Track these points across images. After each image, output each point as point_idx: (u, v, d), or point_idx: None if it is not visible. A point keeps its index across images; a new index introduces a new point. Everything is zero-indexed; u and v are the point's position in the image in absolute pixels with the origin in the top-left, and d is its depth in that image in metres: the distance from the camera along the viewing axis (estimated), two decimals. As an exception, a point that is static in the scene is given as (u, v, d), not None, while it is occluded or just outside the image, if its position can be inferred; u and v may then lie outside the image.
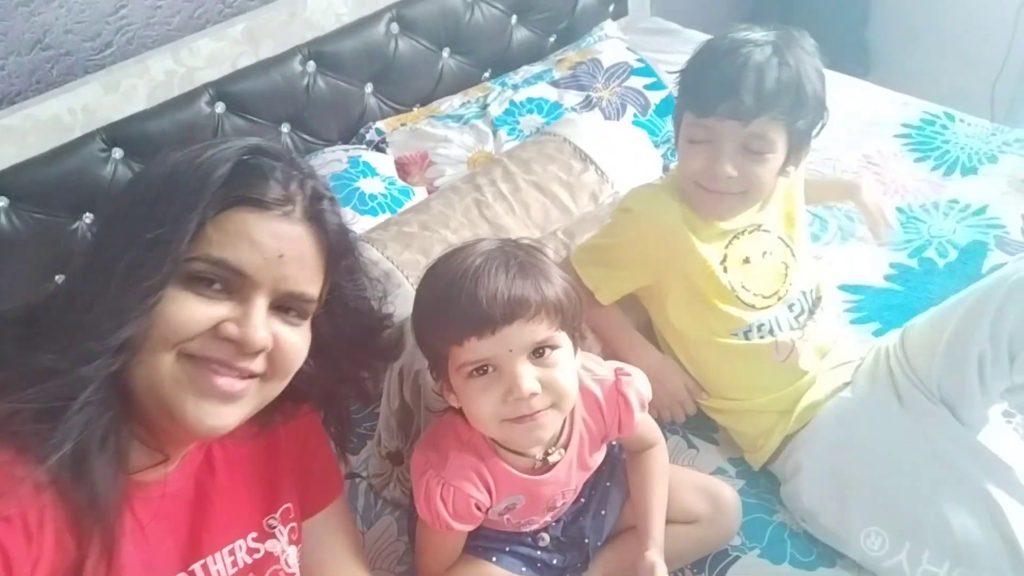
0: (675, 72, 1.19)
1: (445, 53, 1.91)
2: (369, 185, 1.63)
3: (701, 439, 1.24)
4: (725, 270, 1.18)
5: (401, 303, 0.98)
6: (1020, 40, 2.37)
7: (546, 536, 1.08)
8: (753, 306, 1.18)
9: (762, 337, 1.17)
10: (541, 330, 0.86)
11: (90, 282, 0.69)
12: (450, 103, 1.90)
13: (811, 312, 1.22)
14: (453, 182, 1.60)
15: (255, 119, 1.63)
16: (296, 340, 0.76)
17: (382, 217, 1.55)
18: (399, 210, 1.57)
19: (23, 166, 1.38)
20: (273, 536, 0.85)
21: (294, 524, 0.88)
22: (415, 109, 1.89)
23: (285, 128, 1.70)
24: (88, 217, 1.48)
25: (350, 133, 1.81)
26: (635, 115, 1.86)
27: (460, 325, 0.84)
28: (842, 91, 1.98)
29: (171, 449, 0.75)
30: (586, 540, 1.09)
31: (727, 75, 1.06)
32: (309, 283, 0.75)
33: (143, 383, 0.69)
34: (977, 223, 1.56)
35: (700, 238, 1.16)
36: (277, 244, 0.71)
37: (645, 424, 1.07)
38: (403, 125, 1.81)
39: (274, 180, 0.73)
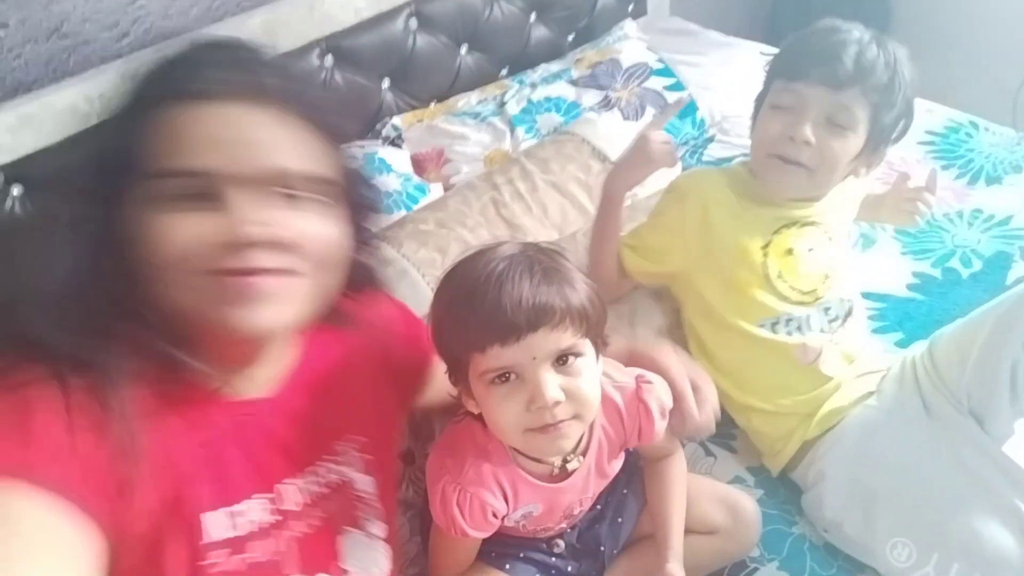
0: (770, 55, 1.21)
1: (463, 50, 1.90)
2: (385, 182, 1.62)
3: (719, 446, 1.23)
4: (765, 255, 1.16)
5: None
6: (1045, 48, 2.34)
7: (561, 543, 1.06)
8: (787, 298, 1.17)
9: (789, 333, 1.16)
10: (566, 338, 0.83)
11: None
12: (467, 100, 1.88)
13: (844, 320, 1.21)
14: (470, 180, 1.59)
15: (271, 112, 1.62)
16: (315, 226, 0.70)
17: (398, 214, 1.54)
18: (415, 207, 1.56)
19: (39, 154, 1.36)
20: (347, 463, 0.84)
21: (370, 457, 0.87)
22: (432, 105, 1.87)
23: (301, 122, 1.68)
24: (102, 208, 1.47)
25: (367, 128, 1.79)
26: (654, 116, 1.84)
27: (483, 332, 0.82)
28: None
29: (245, 363, 0.74)
30: (602, 548, 1.07)
31: (829, 42, 1.09)
32: (303, 159, 0.68)
33: (190, 312, 0.67)
34: (1002, 233, 1.54)
35: (747, 220, 1.16)
36: (232, 131, 0.65)
37: (665, 432, 1.05)
38: (420, 121, 1.79)
39: (212, 66, 0.67)
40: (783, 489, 1.16)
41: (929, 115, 1.87)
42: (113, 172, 0.65)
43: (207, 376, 0.71)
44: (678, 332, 1.28)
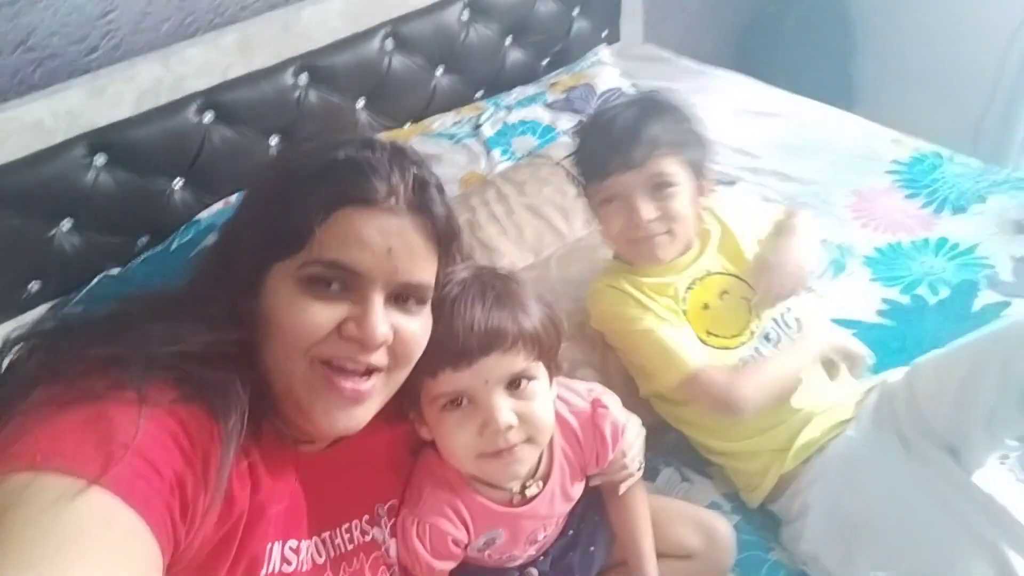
0: (567, 157, 1.30)
1: (439, 71, 1.90)
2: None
3: (695, 472, 1.22)
4: (687, 321, 1.20)
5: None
6: (1006, 80, 2.41)
7: (534, 572, 1.04)
8: (727, 346, 1.19)
9: None
10: (518, 361, 0.84)
11: (215, 260, 0.77)
12: (442, 121, 1.88)
13: (796, 329, 1.22)
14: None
15: (244, 130, 1.60)
16: (415, 328, 0.77)
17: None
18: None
19: (2, 169, 1.33)
20: (379, 524, 0.88)
21: (395, 520, 0.91)
22: (407, 126, 1.87)
23: (273, 140, 1.66)
24: (67, 223, 1.43)
25: (341, 148, 1.78)
26: (628, 141, 1.85)
27: (435, 356, 0.81)
28: (833, 126, 2.00)
29: (316, 438, 0.81)
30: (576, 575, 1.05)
31: (614, 134, 1.18)
32: (422, 271, 0.77)
33: (281, 386, 0.74)
34: (967, 262, 1.57)
35: (655, 297, 1.20)
36: (385, 239, 0.73)
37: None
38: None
39: (376, 176, 0.73)
40: (760, 515, 1.16)
41: (896, 145, 1.91)
42: (274, 244, 0.72)
43: (284, 435, 0.79)
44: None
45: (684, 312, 1.21)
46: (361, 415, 0.76)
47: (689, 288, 1.22)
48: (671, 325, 1.18)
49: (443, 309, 0.82)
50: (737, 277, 1.24)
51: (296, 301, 0.72)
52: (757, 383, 1.13)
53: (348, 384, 0.74)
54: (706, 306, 1.21)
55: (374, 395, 0.77)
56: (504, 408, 0.83)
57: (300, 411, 0.75)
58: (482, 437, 0.84)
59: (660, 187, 1.16)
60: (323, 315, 0.72)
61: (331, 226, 0.71)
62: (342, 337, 0.73)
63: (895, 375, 1.18)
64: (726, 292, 1.22)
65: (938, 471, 1.06)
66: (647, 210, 1.16)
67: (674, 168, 1.17)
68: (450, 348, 0.81)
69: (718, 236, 1.29)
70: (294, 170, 0.74)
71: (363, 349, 0.73)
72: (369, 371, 0.75)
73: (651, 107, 1.21)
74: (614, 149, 1.16)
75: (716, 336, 1.20)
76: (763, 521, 1.15)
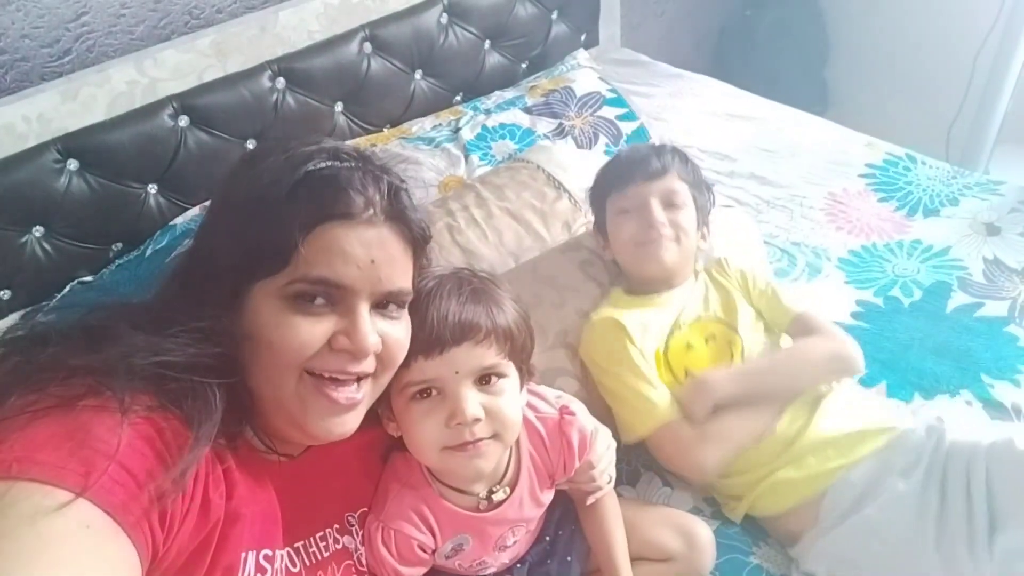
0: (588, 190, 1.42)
1: (417, 75, 1.89)
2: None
3: (676, 478, 1.22)
4: (668, 359, 1.23)
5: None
6: (976, 86, 2.46)
7: (511, 581, 1.04)
8: None
9: None
10: (489, 355, 0.84)
11: (190, 275, 0.76)
12: (421, 125, 1.87)
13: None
14: (424, 206, 1.57)
15: (220, 134, 1.58)
16: (400, 334, 0.79)
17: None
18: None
19: (-30, 174, 1.31)
20: (350, 533, 0.89)
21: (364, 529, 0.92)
22: (385, 130, 1.86)
23: (251, 145, 1.65)
24: (39, 229, 1.41)
25: (318, 152, 1.77)
26: (607, 145, 1.86)
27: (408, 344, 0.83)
28: (807, 130, 2.03)
29: (292, 449, 0.83)
30: (554, 585, 1.05)
31: (633, 157, 1.35)
32: (402, 278, 0.79)
33: (270, 399, 0.75)
34: (941, 264, 1.60)
35: (641, 330, 1.23)
36: (367, 251, 0.74)
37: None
38: (373, 146, 1.77)
39: (352, 189, 0.74)
40: (743, 519, 1.16)
41: (869, 149, 1.94)
42: (255, 264, 0.72)
43: (265, 450, 0.79)
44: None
45: (667, 350, 1.23)
46: (352, 421, 0.78)
47: (676, 327, 1.26)
48: (648, 377, 1.19)
49: (419, 301, 0.83)
50: (727, 325, 1.26)
51: (284, 319, 0.72)
52: (719, 454, 1.14)
53: (341, 394, 0.75)
54: (689, 346, 1.24)
55: (364, 401, 0.78)
56: (472, 400, 0.84)
57: (292, 422, 0.76)
58: (448, 428, 0.84)
59: (672, 203, 1.29)
60: (313, 331, 0.72)
61: (313, 243, 0.72)
62: (333, 350, 0.74)
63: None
64: (712, 337, 1.25)
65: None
66: (660, 214, 1.27)
67: (685, 193, 1.30)
68: (423, 336, 0.82)
69: (711, 285, 1.34)
70: (267, 185, 0.73)
71: (354, 359, 0.75)
72: (359, 379, 0.77)
73: (673, 148, 1.37)
74: (638, 163, 1.32)
75: (694, 376, 1.20)
76: (744, 525, 1.16)
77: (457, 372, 0.83)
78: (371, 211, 0.75)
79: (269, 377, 0.74)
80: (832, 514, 1.07)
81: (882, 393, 1.33)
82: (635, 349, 1.21)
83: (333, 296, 0.73)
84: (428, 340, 0.82)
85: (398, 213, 0.78)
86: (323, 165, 0.74)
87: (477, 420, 0.84)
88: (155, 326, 0.70)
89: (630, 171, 1.31)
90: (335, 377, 0.75)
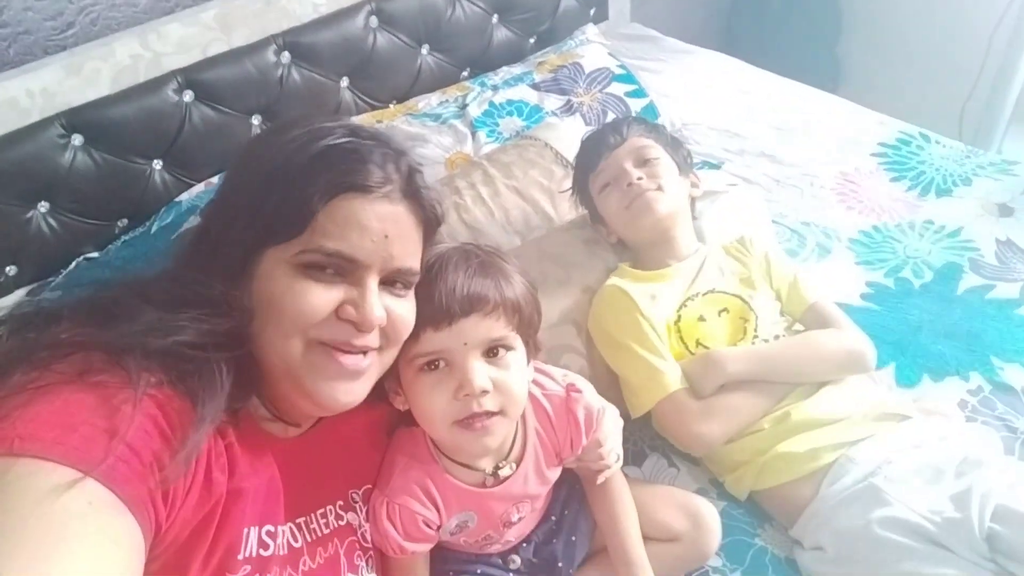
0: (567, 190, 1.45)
1: (424, 50, 1.87)
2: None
3: (683, 459, 1.22)
4: (679, 329, 1.22)
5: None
6: (991, 65, 2.42)
7: (517, 558, 1.04)
8: None
9: None
10: (497, 327, 0.85)
11: (201, 245, 0.77)
12: (428, 101, 1.85)
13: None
14: (430, 183, 1.56)
15: (225, 109, 1.57)
16: (405, 311, 0.80)
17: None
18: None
19: (-27, 148, 1.31)
20: (354, 509, 0.90)
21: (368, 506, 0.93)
22: (391, 106, 1.84)
23: (256, 120, 1.64)
24: (44, 205, 1.40)
25: (324, 128, 1.75)
26: (616, 122, 1.84)
27: (416, 316, 0.83)
28: (819, 108, 2.00)
29: (301, 420, 0.83)
30: (559, 563, 1.05)
31: (594, 136, 1.40)
32: (412, 257, 0.79)
33: (279, 367, 0.75)
34: (952, 245, 1.58)
35: (649, 300, 1.23)
36: (382, 226, 0.75)
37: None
38: (379, 122, 1.75)
39: (373, 163, 0.75)
40: (747, 500, 1.16)
41: (881, 127, 1.91)
42: (270, 230, 0.73)
43: (271, 422, 0.81)
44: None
45: (679, 320, 1.23)
46: (359, 390, 0.79)
47: (690, 299, 1.25)
48: (656, 348, 1.19)
49: (428, 275, 0.83)
50: (742, 300, 1.25)
51: (295, 283, 0.73)
52: (721, 429, 1.14)
53: (346, 360, 0.76)
54: (702, 318, 1.24)
55: (370, 372, 0.79)
56: (480, 371, 0.84)
57: (301, 390, 0.76)
58: (457, 400, 0.84)
59: (644, 157, 1.31)
60: (322, 297, 0.73)
61: (330, 212, 0.73)
62: (339, 319, 0.75)
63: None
64: (725, 310, 1.25)
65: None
66: (634, 172, 1.29)
67: (654, 146, 1.33)
68: (431, 308, 0.82)
69: (732, 257, 1.33)
70: (290, 154, 0.74)
71: (359, 331, 0.75)
72: (364, 351, 0.77)
73: (629, 117, 1.47)
74: (600, 140, 1.36)
75: (704, 348, 1.21)
76: (750, 506, 1.15)
77: (465, 344, 0.83)
78: (389, 187, 0.76)
79: (276, 344, 0.74)
80: (832, 488, 1.07)
81: (891, 375, 1.32)
82: (644, 320, 1.20)
83: (344, 268, 0.74)
84: (436, 312, 0.83)
85: (414, 192, 0.79)
86: (344, 140, 0.75)
87: (485, 392, 0.84)
88: (166, 300, 0.71)
89: (596, 149, 1.35)
90: (339, 348, 0.76)
